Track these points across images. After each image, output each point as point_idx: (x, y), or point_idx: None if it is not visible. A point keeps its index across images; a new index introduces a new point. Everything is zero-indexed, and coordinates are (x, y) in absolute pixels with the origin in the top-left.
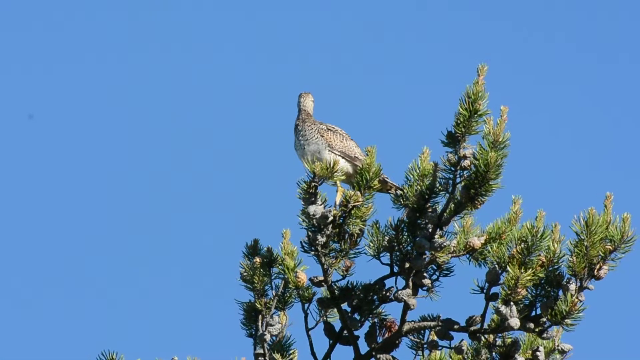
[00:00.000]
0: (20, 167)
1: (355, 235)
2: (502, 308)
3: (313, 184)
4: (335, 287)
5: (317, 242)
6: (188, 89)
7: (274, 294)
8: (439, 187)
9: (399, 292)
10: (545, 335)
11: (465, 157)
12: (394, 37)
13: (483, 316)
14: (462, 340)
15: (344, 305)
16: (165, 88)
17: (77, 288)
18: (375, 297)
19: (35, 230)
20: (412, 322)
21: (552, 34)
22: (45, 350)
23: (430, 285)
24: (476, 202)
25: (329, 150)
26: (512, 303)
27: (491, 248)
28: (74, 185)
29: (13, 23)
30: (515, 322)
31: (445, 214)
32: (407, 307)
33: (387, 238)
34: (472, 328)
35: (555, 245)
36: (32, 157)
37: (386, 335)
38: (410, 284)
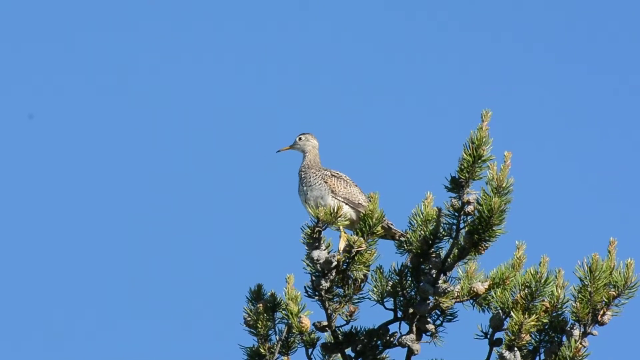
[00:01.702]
0: (20, 167)
1: (359, 280)
2: (506, 353)
3: (317, 229)
4: (339, 332)
5: (321, 287)
6: (189, 91)
7: (277, 338)
8: (443, 233)
9: (403, 337)
10: None
11: (469, 203)
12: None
13: None
14: None
15: (348, 351)
16: (166, 88)
17: (76, 288)
18: (379, 342)
19: (35, 231)
20: None
21: (562, 63)
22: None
23: (434, 330)
24: (480, 247)
25: (332, 196)
26: (515, 348)
27: (495, 293)
28: (74, 185)
29: (13, 23)
30: None
31: (449, 260)
32: (410, 353)
33: (391, 283)
34: None
35: (559, 291)
36: (32, 157)
37: None
38: (414, 329)
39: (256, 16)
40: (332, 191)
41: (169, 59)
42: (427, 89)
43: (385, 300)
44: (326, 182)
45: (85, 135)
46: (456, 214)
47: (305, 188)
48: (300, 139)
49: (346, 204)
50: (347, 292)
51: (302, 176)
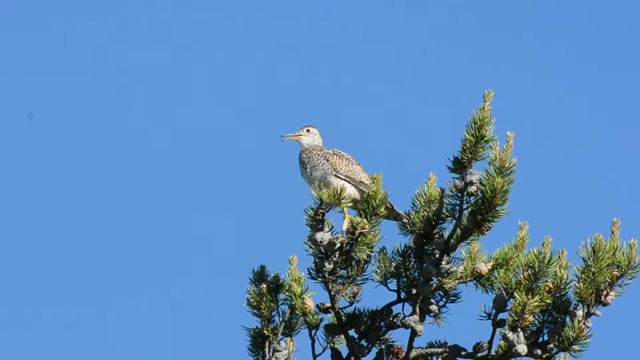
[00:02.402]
0: (20, 167)
1: (363, 261)
2: (510, 334)
3: (320, 210)
4: (343, 313)
5: (324, 268)
6: (187, 93)
7: (280, 320)
8: (446, 213)
9: (406, 318)
10: None
11: (471, 183)
12: (399, 58)
13: (490, 342)
14: None
15: (351, 332)
16: (166, 88)
17: (75, 289)
18: (382, 323)
19: (35, 231)
20: (419, 349)
21: (563, 50)
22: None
23: (437, 311)
24: (483, 228)
25: (335, 175)
26: (519, 329)
27: (498, 274)
28: (74, 185)
29: (13, 23)
30: (522, 348)
31: (452, 240)
32: (414, 334)
33: (394, 264)
34: (479, 354)
35: (563, 272)
36: (32, 157)
37: None
38: (418, 310)
39: (256, 15)
40: (335, 169)
41: (169, 58)
42: (431, 73)
43: (388, 281)
44: (328, 160)
45: (85, 135)
46: (459, 194)
47: (308, 170)
48: (308, 130)
49: (348, 181)
50: (350, 273)
51: (305, 160)
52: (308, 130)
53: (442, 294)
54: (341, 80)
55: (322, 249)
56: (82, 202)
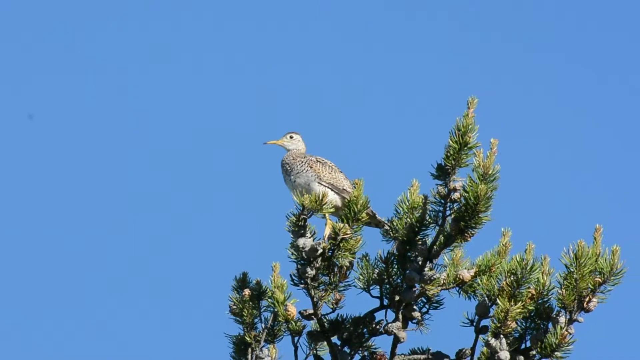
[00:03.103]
0: (20, 167)
1: (345, 268)
2: (492, 341)
3: (302, 216)
4: (325, 320)
5: (306, 274)
6: (189, 91)
7: (263, 327)
8: (429, 220)
9: (389, 324)
10: None
11: (455, 190)
12: (385, 60)
13: (473, 349)
14: None
15: (334, 339)
16: (166, 88)
17: (76, 287)
18: (365, 330)
19: (35, 231)
20: (402, 355)
21: (545, 54)
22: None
23: (420, 318)
24: (466, 234)
25: (318, 182)
26: (502, 336)
27: (481, 281)
28: (74, 185)
29: (13, 23)
30: (505, 355)
31: (435, 247)
32: (397, 340)
33: (377, 271)
34: None
35: (545, 278)
36: (32, 157)
37: None
38: (400, 316)
39: (256, 15)
40: (318, 176)
41: (169, 58)
42: (413, 79)
43: (371, 287)
44: (311, 167)
45: (85, 135)
46: (442, 201)
47: (292, 177)
48: (291, 137)
49: (331, 189)
50: (332, 279)
51: (288, 167)
52: (291, 137)
53: (425, 300)
54: (323, 85)
55: (304, 254)
56: (82, 201)
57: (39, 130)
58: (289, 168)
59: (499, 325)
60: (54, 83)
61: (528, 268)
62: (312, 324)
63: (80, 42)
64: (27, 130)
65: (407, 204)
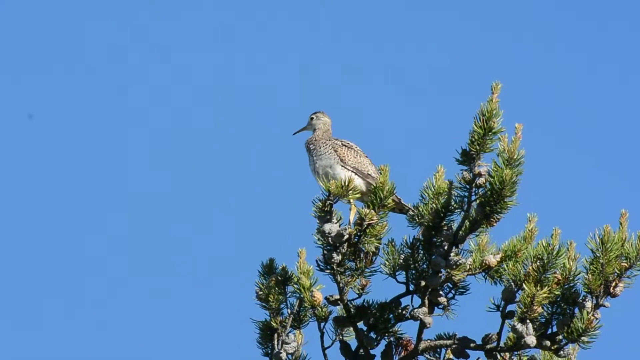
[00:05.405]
0: (20, 167)
1: (371, 253)
2: (518, 326)
3: (328, 202)
4: (351, 305)
5: (332, 260)
6: (189, 91)
7: (289, 312)
8: (454, 205)
9: (415, 310)
10: (561, 353)
11: (480, 175)
12: (407, 53)
13: (499, 334)
14: (478, 358)
15: (360, 324)
16: (165, 88)
17: (75, 289)
18: (391, 315)
19: (35, 231)
20: (428, 341)
21: (571, 48)
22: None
23: (446, 303)
24: (491, 219)
25: (342, 166)
26: (528, 321)
27: (507, 266)
28: (74, 185)
29: (13, 23)
30: (531, 339)
31: (460, 232)
32: (423, 326)
33: (403, 256)
34: (488, 346)
35: (571, 263)
36: (32, 157)
37: (402, 353)
38: (426, 302)
39: (255, 16)
40: (342, 160)
41: (169, 58)
42: (439, 67)
43: (397, 273)
44: (336, 151)
45: (85, 135)
46: (467, 186)
47: (314, 158)
48: (312, 118)
49: (355, 173)
50: (358, 265)
51: (312, 148)
52: (312, 118)
53: (451, 285)
54: (349, 76)
55: (330, 240)
56: (82, 201)
57: (38, 130)
58: (312, 147)
59: (525, 310)
60: (54, 83)
61: (554, 253)
62: (338, 310)
63: (80, 42)
64: (27, 130)
65: (433, 189)
